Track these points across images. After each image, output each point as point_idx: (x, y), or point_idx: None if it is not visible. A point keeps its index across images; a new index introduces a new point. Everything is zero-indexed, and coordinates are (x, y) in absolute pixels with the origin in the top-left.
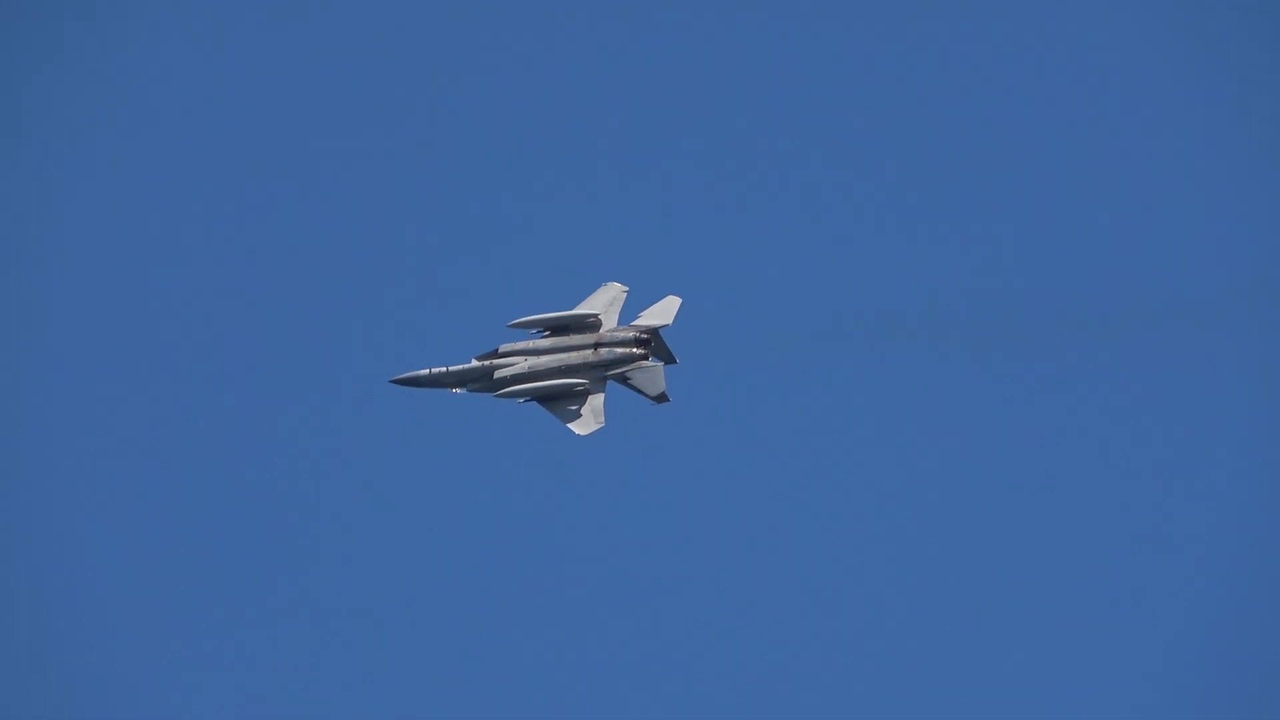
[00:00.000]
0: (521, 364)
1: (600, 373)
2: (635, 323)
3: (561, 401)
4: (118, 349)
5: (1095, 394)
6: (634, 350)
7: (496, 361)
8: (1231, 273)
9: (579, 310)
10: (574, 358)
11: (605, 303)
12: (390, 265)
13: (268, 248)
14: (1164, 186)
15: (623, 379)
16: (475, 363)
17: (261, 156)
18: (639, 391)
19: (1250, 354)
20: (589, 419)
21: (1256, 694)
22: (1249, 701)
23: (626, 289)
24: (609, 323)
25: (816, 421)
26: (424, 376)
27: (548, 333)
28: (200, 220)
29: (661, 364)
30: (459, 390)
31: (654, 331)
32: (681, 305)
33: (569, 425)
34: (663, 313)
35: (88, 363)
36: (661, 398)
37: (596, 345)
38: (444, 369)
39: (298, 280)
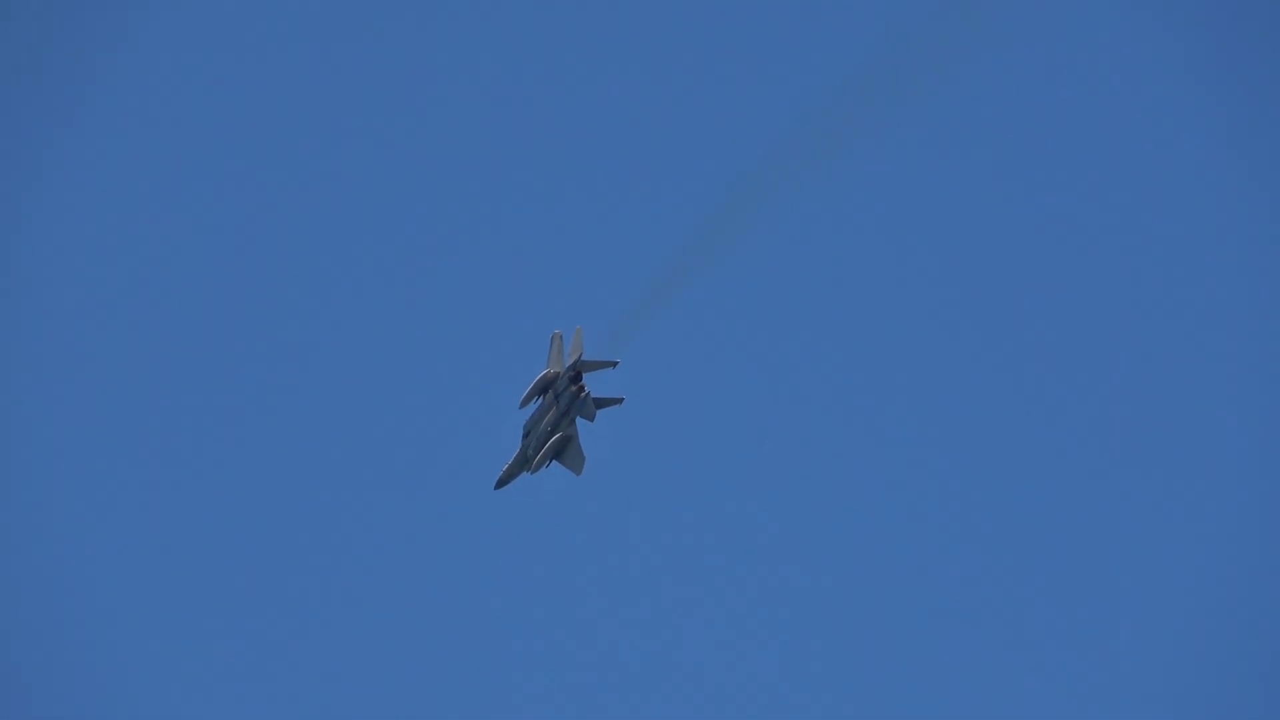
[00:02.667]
0: (531, 436)
1: (568, 418)
2: (566, 365)
3: (564, 455)
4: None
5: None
6: (571, 388)
7: (527, 440)
8: None
9: (544, 371)
10: (550, 415)
11: (556, 353)
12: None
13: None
14: None
15: (579, 412)
16: (520, 444)
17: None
18: (586, 418)
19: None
20: (577, 461)
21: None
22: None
23: (560, 332)
24: (562, 369)
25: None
26: (504, 476)
27: (542, 397)
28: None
29: (588, 394)
30: (528, 471)
31: (576, 363)
32: (582, 330)
33: (573, 472)
34: (575, 346)
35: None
36: (608, 402)
37: (556, 397)
38: (508, 463)
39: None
